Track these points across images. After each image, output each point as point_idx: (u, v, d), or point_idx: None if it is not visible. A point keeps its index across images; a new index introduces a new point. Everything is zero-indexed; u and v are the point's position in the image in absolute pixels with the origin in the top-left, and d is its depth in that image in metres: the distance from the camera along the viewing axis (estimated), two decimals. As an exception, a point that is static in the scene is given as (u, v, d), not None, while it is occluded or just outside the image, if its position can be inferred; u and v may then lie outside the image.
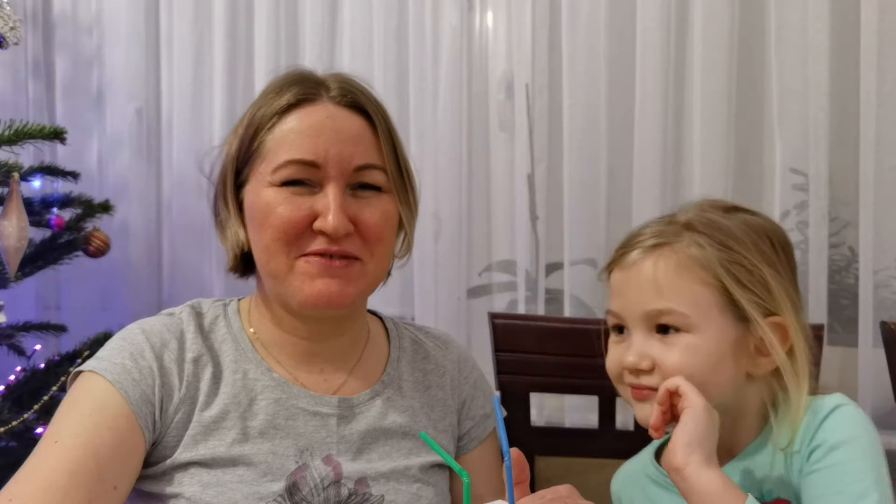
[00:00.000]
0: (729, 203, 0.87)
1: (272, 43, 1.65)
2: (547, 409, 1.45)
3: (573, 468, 1.02)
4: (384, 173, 0.85)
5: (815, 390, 0.80)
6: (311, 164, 0.81)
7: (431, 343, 0.98)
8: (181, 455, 0.81)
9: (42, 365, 1.45)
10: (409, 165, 0.89)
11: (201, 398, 0.83)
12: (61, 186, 1.53)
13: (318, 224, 0.81)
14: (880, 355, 1.13)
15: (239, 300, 0.94)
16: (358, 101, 0.85)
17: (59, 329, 1.59)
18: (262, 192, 0.82)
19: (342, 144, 0.82)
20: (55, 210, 1.48)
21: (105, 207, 1.53)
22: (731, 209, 0.85)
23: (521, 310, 1.48)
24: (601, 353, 1.12)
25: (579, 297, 1.47)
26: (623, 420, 1.15)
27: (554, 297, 1.50)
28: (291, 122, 0.82)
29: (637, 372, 0.80)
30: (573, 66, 1.45)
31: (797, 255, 1.41)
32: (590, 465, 1.00)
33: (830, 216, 1.37)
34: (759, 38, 1.41)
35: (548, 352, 1.12)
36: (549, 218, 1.48)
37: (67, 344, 1.55)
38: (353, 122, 0.84)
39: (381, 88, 0.87)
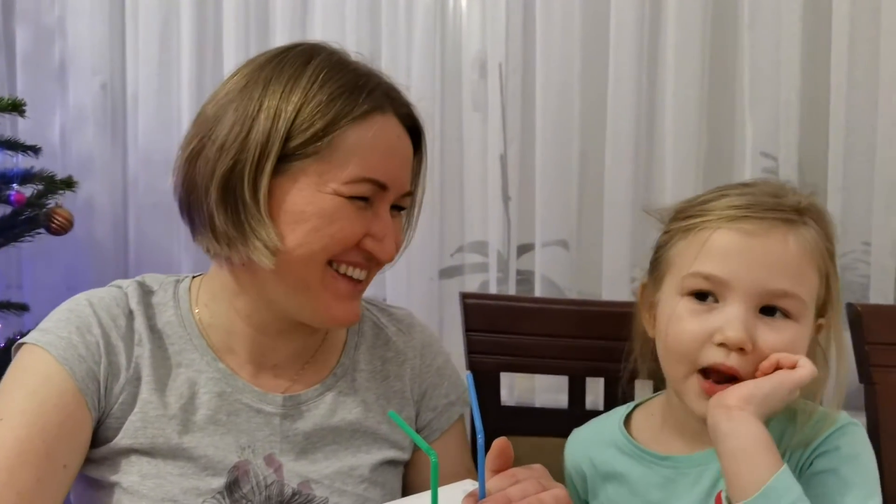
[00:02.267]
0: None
1: (241, 17, 1.61)
2: (517, 389, 1.45)
3: (543, 448, 1.02)
4: (413, 197, 0.85)
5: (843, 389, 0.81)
6: (383, 187, 0.78)
7: (394, 328, 0.94)
8: (122, 440, 0.78)
9: (2, 344, 1.42)
10: (425, 189, 0.88)
11: (145, 383, 0.79)
12: (21, 161, 1.49)
13: (371, 245, 0.78)
14: (846, 337, 1.14)
15: (192, 278, 0.88)
16: (418, 126, 0.84)
17: (21, 308, 1.55)
18: (321, 197, 0.75)
19: (401, 170, 0.81)
20: (15, 186, 1.44)
21: (68, 184, 1.49)
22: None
23: (493, 290, 1.48)
24: (574, 333, 1.12)
25: (550, 277, 1.47)
26: (592, 400, 1.15)
27: (525, 278, 1.50)
28: (369, 132, 0.76)
29: (737, 350, 0.73)
30: (547, 46, 1.44)
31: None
32: (559, 444, 1.00)
33: (799, 200, 1.38)
34: (732, 22, 1.41)
35: (519, 332, 1.12)
36: (521, 199, 1.47)
37: (30, 323, 1.51)
38: (409, 147, 0.82)
39: (355, 58, 0.83)
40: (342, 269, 0.79)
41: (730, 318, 0.73)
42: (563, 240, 1.47)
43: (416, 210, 0.87)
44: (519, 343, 1.12)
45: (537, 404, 1.42)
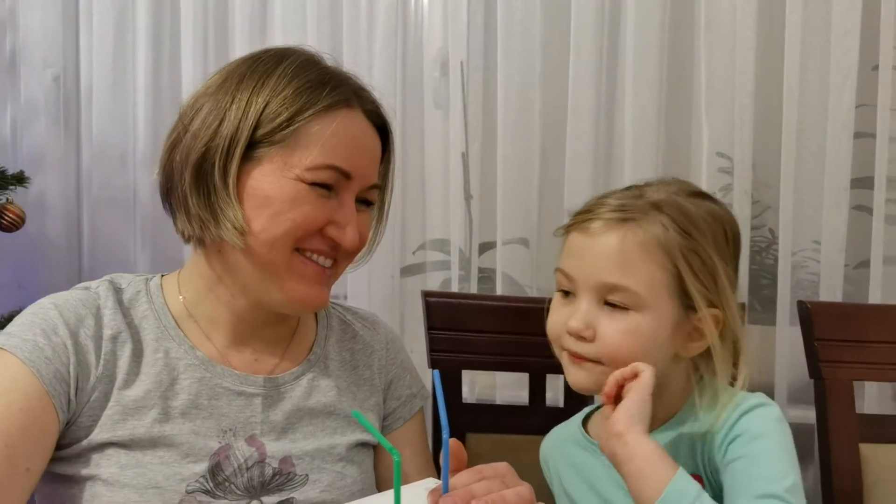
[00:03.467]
0: (696, 188, 0.88)
1: (199, 11, 1.59)
2: (479, 386, 1.46)
3: (504, 445, 1.03)
4: (380, 192, 0.89)
5: (743, 384, 0.84)
6: (346, 175, 0.81)
7: (359, 324, 0.98)
8: (98, 435, 0.78)
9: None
10: (393, 188, 0.92)
11: (120, 377, 0.80)
12: (-29, 156, 1.45)
13: (333, 232, 0.82)
14: (797, 333, 1.18)
15: (162, 276, 0.90)
16: (385, 123, 0.88)
17: (-30, 307, 1.51)
18: (285, 183, 0.79)
19: (367, 162, 0.85)
20: (-36, 181, 1.40)
21: (19, 179, 1.46)
22: (698, 195, 0.86)
23: (455, 288, 1.48)
24: (534, 330, 1.13)
25: (511, 276, 1.48)
26: (553, 397, 1.16)
27: (487, 275, 1.51)
28: (333, 124, 0.81)
29: (579, 338, 0.81)
30: (508, 45, 1.45)
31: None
32: (520, 441, 1.01)
33: (753, 199, 1.41)
34: (689, 26, 1.43)
35: (480, 329, 1.13)
36: (483, 197, 1.48)
37: (-21, 322, 1.47)
38: (375, 142, 0.86)
39: (328, 62, 0.86)
40: (307, 254, 0.82)
41: (574, 311, 0.82)
42: (524, 238, 1.48)
43: (386, 207, 0.91)
44: (480, 341, 1.13)
45: (498, 401, 1.43)
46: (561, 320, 0.84)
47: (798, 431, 1.38)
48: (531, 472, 0.87)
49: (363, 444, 0.90)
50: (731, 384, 0.84)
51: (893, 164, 1.37)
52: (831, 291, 1.37)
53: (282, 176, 0.79)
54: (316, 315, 0.96)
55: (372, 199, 0.88)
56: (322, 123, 0.80)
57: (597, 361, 0.81)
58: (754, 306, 1.46)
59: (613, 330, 0.80)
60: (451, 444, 0.67)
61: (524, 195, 1.46)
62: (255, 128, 0.79)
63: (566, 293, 0.85)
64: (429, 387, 1.26)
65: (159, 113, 1.61)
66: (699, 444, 0.81)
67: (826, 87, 1.37)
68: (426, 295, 1.14)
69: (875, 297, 1.35)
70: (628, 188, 0.87)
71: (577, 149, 1.43)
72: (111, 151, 1.61)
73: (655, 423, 0.84)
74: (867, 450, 1.10)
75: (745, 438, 0.77)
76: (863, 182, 1.39)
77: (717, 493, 0.79)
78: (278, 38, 1.55)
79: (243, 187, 0.80)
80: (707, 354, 0.84)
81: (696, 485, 0.73)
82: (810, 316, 1.13)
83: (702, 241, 0.81)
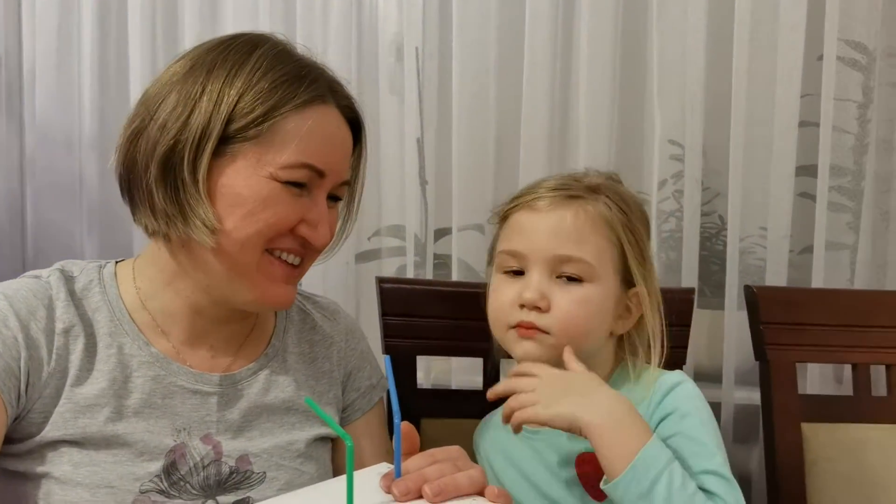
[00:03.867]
0: (617, 177, 0.94)
1: (148, -8, 1.55)
2: (434, 371, 1.46)
3: (459, 429, 1.04)
4: (352, 188, 0.88)
5: (660, 360, 0.88)
6: (320, 173, 0.79)
7: (319, 314, 0.96)
8: (50, 433, 0.76)
9: None
10: (364, 182, 0.90)
11: (73, 373, 0.78)
12: None
13: (305, 231, 0.80)
14: (744, 317, 1.21)
15: (116, 262, 0.87)
16: (358, 118, 0.86)
17: None
18: (258, 181, 0.76)
19: (341, 159, 0.83)
20: None
21: (-42, 163, 1.41)
22: (619, 181, 0.93)
23: (410, 274, 1.48)
24: (485, 316, 1.14)
25: (467, 261, 1.48)
26: (507, 381, 1.17)
27: (442, 261, 1.51)
28: (308, 120, 0.78)
29: (533, 308, 0.84)
30: (463, 31, 1.44)
31: (673, 222, 1.49)
32: (474, 425, 1.02)
33: (703, 186, 1.44)
34: (643, 13, 1.44)
35: (434, 315, 1.13)
36: (438, 183, 1.48)
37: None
38: (348, 137, 0.84)
39: (301, 51, 0.84)
40: (276, 253, 0.80)
41: (528, 284, 0.85)
42: (480, 224, 1.49)
43: (356, 201, 0.90)
44: (434, 326, 1.13)
45: (454, 386, 1.43)
46: (509, 297, 0.86)
47: (744, 412, 1.44)
48: (484, 455, 0.88)
49: (321, 439, 0.89)
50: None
51: (836, 153, 1.41)
52: (777, 276, 1.41)
53: (255, 173, 0.76)
54: None
55: (341, 194, 0.86)
56: (298, 120, 0.78)
57: (546, 332, 0.84)
58: (704, 292, 1.49)
59: (567, 300, 0.84)
60: (403, 427, 0.68)
61: (479, 181, 1.47)
62: (228, 122, 0.75)
63: (514, 273, 0.87)
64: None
65: (106, 95, 1.56)
66: None
67: (773, 77, 1.40)
68: (380, 281, 1.14)
69: (818, 281, 1.39)
70: (564, 175, 0.92)
71: (531, 135, 1.43)
72: (55, 134, 1.56)
73: None
74: (808, 429, 1.14)
75: (677, 416, 0.81)
76: (807, 170, 1.43)
77: None
78: (229, 20, 1.52)
79: (214, 184, 0.76)
80: (631, 332, 0.90)
81: (668, 452, 0.75)
82: (756, 300, 1.16)
83: (635, 220, 0.87)
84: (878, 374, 1.21)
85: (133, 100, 1.48)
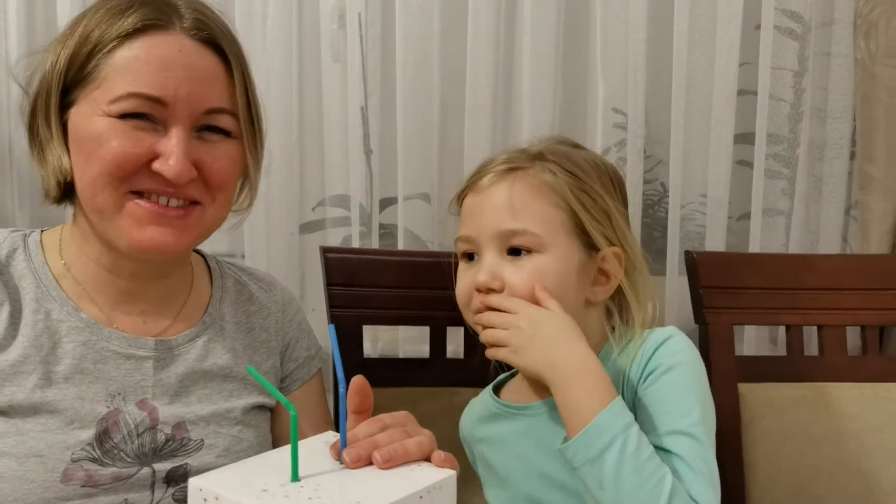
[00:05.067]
0: (574, 141, 0.92)
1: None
2: (381, 341, 1.46)
3: (406, 397, 1.05)
4: (234, 118, 0.80)
5: (651, 322, 0.86)
6: (157, 101, 0.75)
7: (255, 285, 0.96)
8: None
9: None
10: (260, 112, 0.83)
11: None
12: None
13: (158, 166, 0.75)
14: (685, 282, 1.24)
15: (42, 231, 0.85)
16: (214, 37, 0.79)
17: None
18: (94, 121, 0.75)
19: (193, 84, 0.77)
20: None
21: None
22: (576, 146, 0.91)
23: (356, 244, 1.47)
24: (433, 284, 1.14)
25: (413, 231, 1.48)
26: (453, 349, 1.18)
27: (389, 231, 1.51)
28: (136, 49, 0.75)
29: (488, 291, 0.82)
30: (407, -3, 1.43)
31: (615, 189, 1.49)
32: (421, 393, 1.03)
33: (645, 154, 1.46)
34: (587, -19, 1.45)
35: (379, 285, 1.13)
36: (383, 152, 1.47)
37: None
38: (206, 60, 0.78)
39: None
40: (146, 196, 0.78)
41: (479, 267, 0.83)
42: (425, 192, 1.48)
43: (256, 140, 0.83)
44: (380, 296, 1.13)
45: (401, 355, 1.44)
46: (467, 282, 0.85)
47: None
48: (430, 421, 0.89)
49: (260, 407, 0.89)
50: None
51: (773, 121, 1.44)
52: (716, 242, 1.44)
53: (92, 114, 0.76)
54: (210, 276, 0.93)
55: (223, 125, 0.80)
56: (124, 51, 0.76)
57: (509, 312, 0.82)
58: (646, 258, 1.52)
59: (519, 275, 0.82)
60: (357, 381, 0.68)
61: (424, 150, 1.46)
62: (67, 71, 0.76)
63: (470, 258, 0.86)
64: (326, 348, 1.26)
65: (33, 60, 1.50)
66: (619, 387, 0.82)
67: (713, 45, 1.42)
68: (324, 251, 1.13)
69: (755, 246, 1.43)
70: (510, 148, 0.90)
71: (475, 103, 1.43)
72: (-20, 104, 1.49)
73: None
74: (744, 388, 1.18)
75: (658, 372, 0.80)
76: (745, 137, 1.46)
77: None
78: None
79: (68, 135, 0.78)
80: (616, 299, 0.87)
81: (626, 417, 0.73)
82: (696, 265, 1.19)
83: (588, 181, 0.84)
84: (811, 335, 1.26)
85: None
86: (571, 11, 1.46)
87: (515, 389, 0.93)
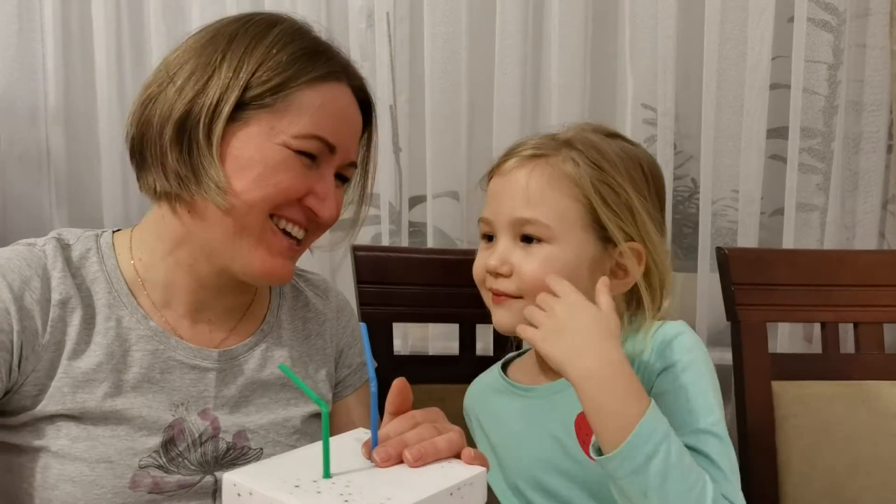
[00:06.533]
0: (611, 129, 0.91)
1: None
2: (412, 338, 1.47)
3: (435, 394, 1.05)
4: (361, 170, 0.89)
5: (662, 316, 0.86)
6: (330, 148, 0.80)
7: (311, 291, 0.97)
8: (47, 407, 0.75)
9: None
10: (377, 167, 0.91)
11: (69, 346, 0.77)
12: None
13: (312, 203, 0.80)
14: (716, 279, 1.23)
15: (114, 232, 0.86)
16: (368, 99, 0.88)
17: None
18: (269, 147, 0.78)
19: (350, 138, 0.84)
20: None
21: (-81, 136, 1.37)
22: (612, 135, 0.89)
23: (386, 242, 1.48)
24: (463, 282, 1.15)
25: (442, 229, 1.48)
26: (483, 346, 1.19)
27: (418, 229, 1.51)
28: (323, 94, 0.80)
29: (497, 276, 0.84)
30: (434, -5, 1.43)
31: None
32: (450, 390, 1.03)
33: (676, 149, 1.45)
34: (615, -25, 1.44)
35: (409, 282, 1.13)
36: (412, 150, 1.47)
37: None
38: (359, 118, 0.86)
39: (319, 33, 0.86)
40: (282, 224, 0.81)
41: (493, 251, 0.85)
42: (454, 191, 1.48)
43: (369, 184, 0.91)
44: (409, 293, 1.14)
45: (431, 352, 1.44)
46: (482, 262, 0.86)
47: (717, 372, 1.46)
48: (459, 418, 0.89)
49: (317, 415, 0.89)
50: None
51: (807, 114, 1.42)
52: (748, 238, 1.42)
53: (268, 140, 0.78)
54: None
55: (348, 175, 0.87)
56: (313, 93, 0.79)
57: (519, 297, 0.83)
58: (677, 254, 1.51)
59: (528, 263, 0.83)
60: (397, 382, 0.69)
61: (453, 148, 1.46)
62: (246, 89, 0.77)
63: (489, 239, 0.87)
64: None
65: (70, 66, 1.52)
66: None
67: (744, 39, 1.40)
68: (355, 249, 1.14)
69: (788, 242, 1.41)
70: (544, 133, 0.89)
71: (504, 101, 1.43)
72: (19, 105, 1.51)
73: None
74: (778, 386, 1.17)
75: (677, 369, 0.79)
76: (778, 132, 1.44)
77: None
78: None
79: (227, 147, 0.78)
80: (634, 292, 0.86)
81: (664, 423, 0.71)
82: (727, 262, 1.18)
83: (614, 173, 0.83)
84: (847, 333, 1.24)
85: (98, 70, 1.46)
86: (599, 6, 1.45)
87: (523, 368, 0.94)
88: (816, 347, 1.24)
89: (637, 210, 0.83)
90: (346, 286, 1.45)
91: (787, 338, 1.42)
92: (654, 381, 0.80)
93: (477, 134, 1.47)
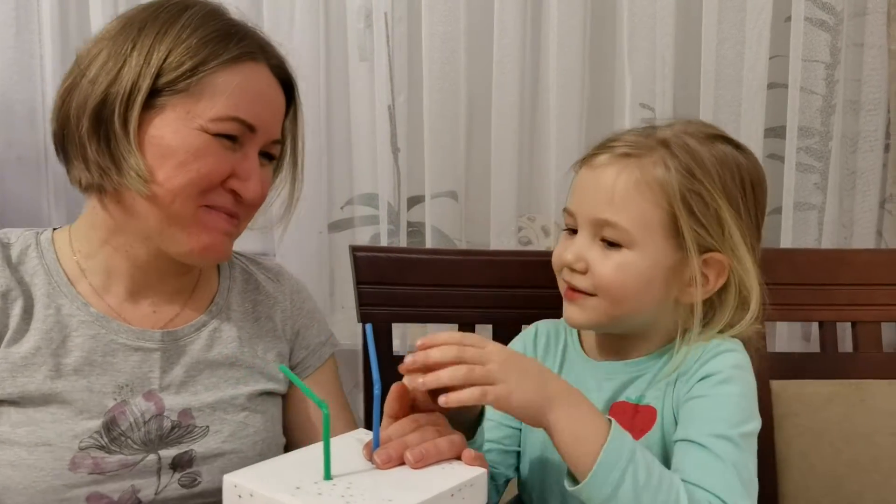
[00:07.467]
0: (716, 131, 0.86)
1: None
2: (410, 338, 1.47)
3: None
4: (280, 146, 0.89)
5: (736, 334, 0.83)
6: (250, 128, 0.81)
7: (263, 275, 0.98)
8: None
9: None
10: (304, 143, 0.92)
11: (9, 334, 0.79)
12: None
13: (236, 186, 0.81)
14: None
15: (54, 230, 0.88)
16: (289, 77, 0.88)
17: None
18: (188, 133, 0.78)
19: (271, 116, 0.85)
20: None
21: (-83, 137, 1.37)
22: (715, 137, 0.84)
23: (384, 243, 1.48)
24: (462, 282, 1.15)
25: (440, 229, 1.49)
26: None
27: (416, 229, 1.51)
28: (238, 76, 0.81)
29: (572, 271, 0.82)
30: (432, -5, 1.43)
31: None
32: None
33: (673, 149, 1.44)
34: (613, -25, 1.44)
35: (409, 283, 1.13)
36: (410, 150, 1.47)
37: None
38: (280, 97, 0.86)
39: (233, 15, 0.85)
40: (214, 210, 0.82)
41: (571, 245, 0.82)
42: (452, 191, 1.49)
43: (299, 162, 0.91)
44: (409, 294, 1.14)
45: (430, 353, 1.44)
46: (560, 253, 0.84)
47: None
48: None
49: (269, 393, 0.91)
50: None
51: (804, 114, 1.42)
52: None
53: (185, 125, 0.78)
54: (218, 266, 0.95)
55: (273, 153, 0.87)
56: (227, 75, 0.80)
57: (592, 294, 0.81)
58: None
59: (604, 266, 0.80)
60: (395, 387, 0.69)
61: (451, 148, 1.46)
62: (158, 75, 0.78)
63: (571, 231, 0.85)
64: (354, 345, 1.27)
65: (68, 67, 1.52)
66: (670, 380, 0.81)
67: (742, 38, 1.40)
68: (354, 249, 1.14)
69: (786, 241, 1.41)
70: (643, 126, 0.86)
71: (502, 100, 1.43)
72: (17, 106, 1.52)
73: (632, 354, 0.86)
74: (777, 385, 1.17)
75: (714, 380, 0.78)
76: (776, 131, 1.44)
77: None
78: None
79: (145, 136, 0.79)
80: (714, 304, 0.83)
81: (629, 443, 0.69)
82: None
83: (706, 182, 0.79)
84: (845, 332, 1.24)
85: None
86: (598, 6, 1.45)
87: (589, 338, 0.91)
88: (815, 346, 1.24)
89: (726, 222, 0.80)
90: (346, 286, 1.45)
91: (785, 337, 1.43)
92: (693, 386, 0.79)
93: (475, 134, 1.47)
